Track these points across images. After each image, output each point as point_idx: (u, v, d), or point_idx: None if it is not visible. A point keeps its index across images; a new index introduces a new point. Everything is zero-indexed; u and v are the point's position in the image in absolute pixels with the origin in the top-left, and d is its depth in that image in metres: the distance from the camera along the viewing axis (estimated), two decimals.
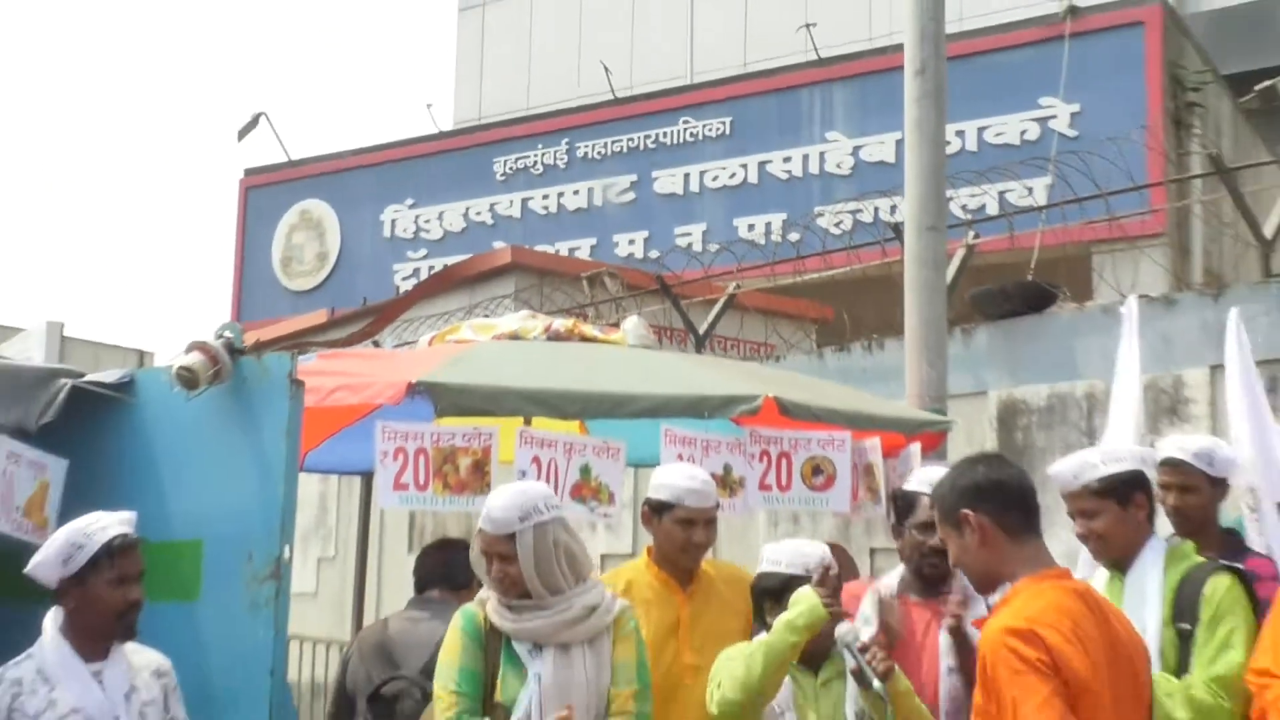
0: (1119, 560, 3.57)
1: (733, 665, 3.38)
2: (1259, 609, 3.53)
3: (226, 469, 3.77)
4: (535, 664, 3.28)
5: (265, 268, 17.75)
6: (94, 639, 3.23)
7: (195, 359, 3.71)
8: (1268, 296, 6.41)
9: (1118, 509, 3.50)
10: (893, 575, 3.96)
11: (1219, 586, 3.51)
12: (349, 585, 7.80)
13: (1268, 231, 7.02)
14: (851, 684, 3.46)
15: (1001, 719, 2.58)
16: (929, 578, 3.82)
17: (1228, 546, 3.87)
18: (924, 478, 3.87)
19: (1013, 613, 2.66)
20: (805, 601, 3.32)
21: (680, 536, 3.88)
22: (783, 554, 3.50)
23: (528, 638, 3.31)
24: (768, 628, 3.44)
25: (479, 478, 4.05)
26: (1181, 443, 3.96)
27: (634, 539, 8.51)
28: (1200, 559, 3.66)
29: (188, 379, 3.67)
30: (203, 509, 3.75)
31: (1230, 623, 3.42)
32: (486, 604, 3.36)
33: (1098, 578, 3.77)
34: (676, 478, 3.93)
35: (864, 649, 3.37)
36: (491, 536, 3.30)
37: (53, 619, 3.24)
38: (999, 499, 2.79)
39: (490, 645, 3.32)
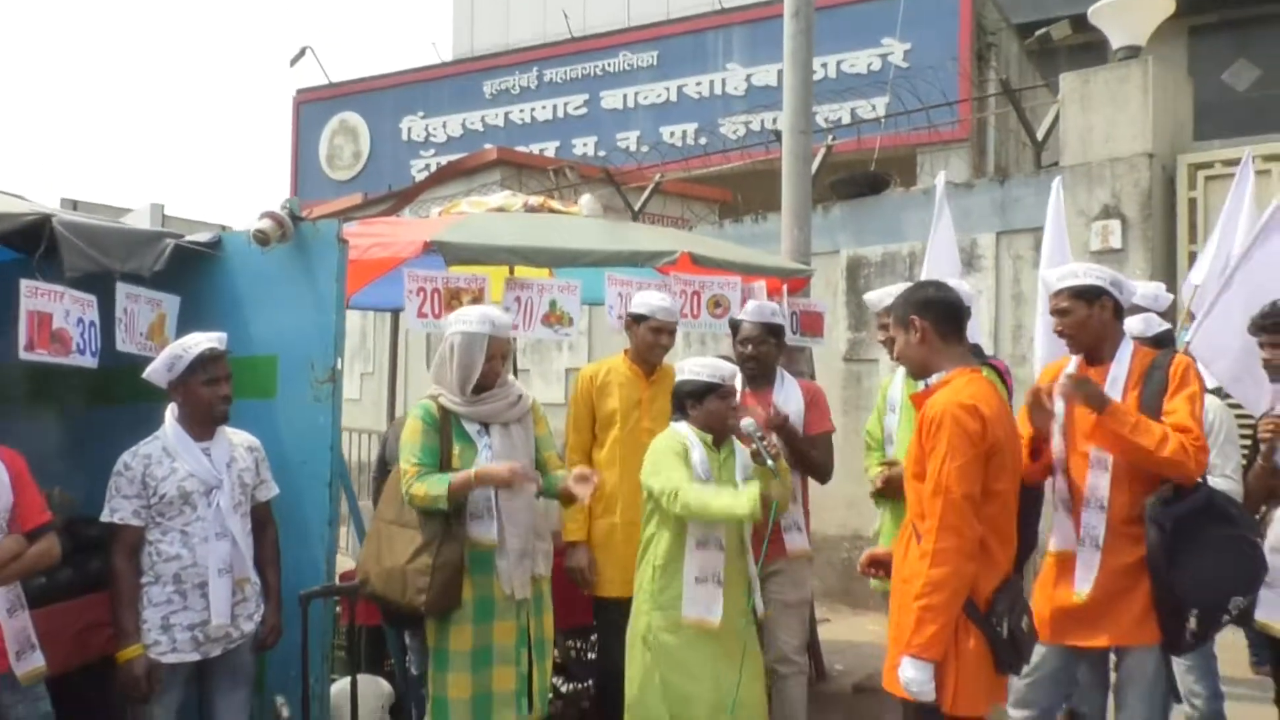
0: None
1: (695, 494, 3.17)
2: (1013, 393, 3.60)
3: (292, 304, 3.70)
4: (484, 439, 3.27)
5: (314, 163, 17.19)
6: (199, 425, 3.21)
7: (266, 223, 3.62)
8: (1036, 183, 6.44)
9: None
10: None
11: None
12: (384, 391, 7.82)
13: (1039, 136, 7.00)
14: (742, 456, 3.45)
15: (929, 463, 2.60)
16: (752, 377, 3.92)
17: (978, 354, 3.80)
18: (751, 310, 3.95)
19: (955, 391, 2.66)
20: (750, 502, 3.12)
21: (650, 339, 3.92)
22: (703, 366, 3.41)
23: (479, 419, 3.28)
24: (688, 417, 3.40)
25: None
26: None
27: (589, 355, 8.57)
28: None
29: (261, 238, 3.59)
30: (276, 333, 3.69)
31: None
32: (439, 397, 3.29)
33: (897, 376, 3.83)
34: (652, 298, 3.97)
35: (762, 437, 3.40)
36: (503, 340, 3.31)
37: (171, 411, 3.22)
38: (938, 311, 2.79)
39: (444, 428, 3.27)
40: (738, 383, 3.92)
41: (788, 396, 3.91)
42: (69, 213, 3.34)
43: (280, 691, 3.29)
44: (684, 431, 3.39)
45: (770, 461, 3.32)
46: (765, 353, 3.92)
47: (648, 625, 3.29)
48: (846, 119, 11.33)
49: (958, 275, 4.59)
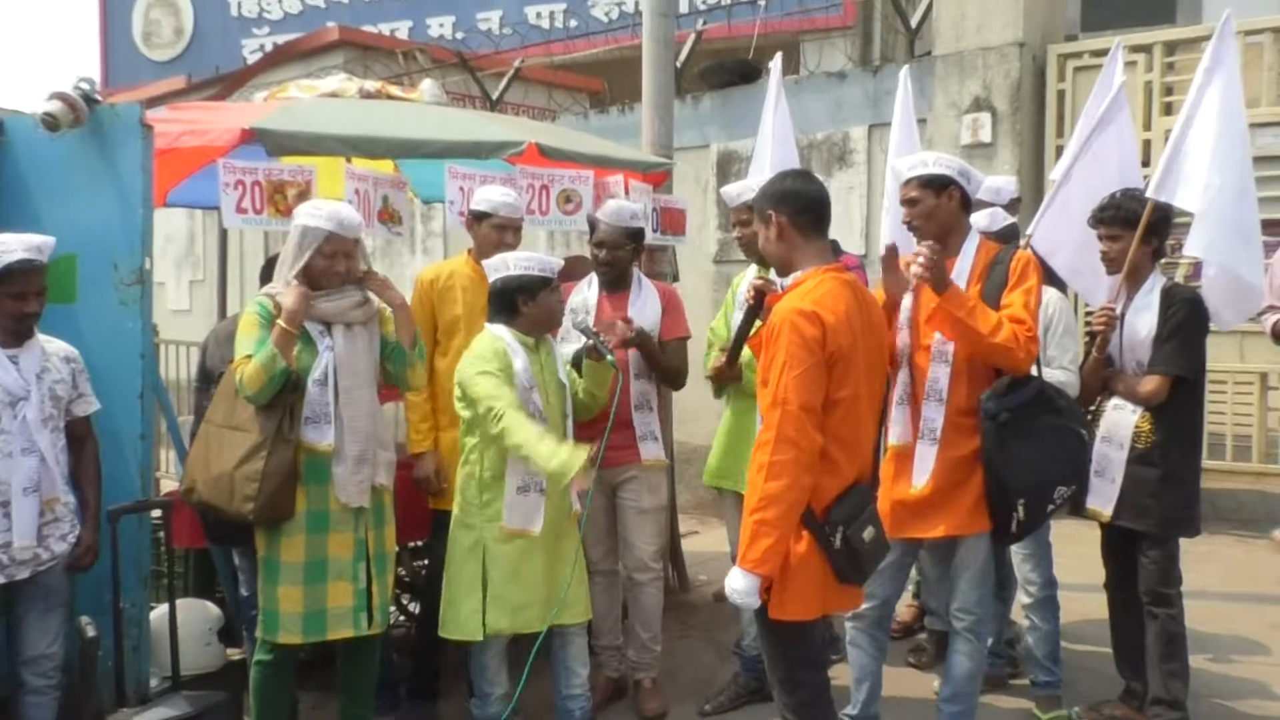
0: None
1: (518, 427, 3.20)
2: None
3: (92, 197, 3.61)
4: (325, 340, 3.28)
5: (126, 41, 16.15)
6: (4, 334, 3.19)
7: (56, 106, 3.50)
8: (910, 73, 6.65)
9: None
10: (587, 280, 4.12)
11: None
12: (215, 300, 7.62)
13: (914, 23, 7.20)
14: (564, 351, 3.58)
15: (770, 373, 2.66)
16: (608, 282, 4.02)
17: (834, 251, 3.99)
18: (609, 211, 4.00)
19: (800, 295, 2.70)
20: (561, 466, 3.11)
21: (495, 238, 3.91)
22: (530, 260, 3.47)
23: (320, 317, 3.28)
24: (513, 318, 3.45)
25: None
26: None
27: (445, 259, 8.52)
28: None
29: (50, 123, 3.48)
30: (74, 230, 3.58)
31: None
32: (276, 295, 3.28)
33: (748, 274, 3.98)
34: (493, 194, 3.97)
35: (598, 333, 3.52)
36: (345, 239, 3.28)
37: None
38: (796, 205, 2.79)
39: None
40: (594, 286, 4.05)
41: (645, 302, 4.02)
42: None
43: (94, 615, 3.31)
44: (504, 337, 3.43)
45: (609, 356, 3.48)
46: (621, 257, 3.99)
47: (478, 539, 3.42)
48: (724, 1, 11.34)
49: (793, 163, 4.68)
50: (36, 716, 3.25)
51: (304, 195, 3.87)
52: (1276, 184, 5.55)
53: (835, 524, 2.67)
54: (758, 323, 3.11)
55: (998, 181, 4.22)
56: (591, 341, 3.53)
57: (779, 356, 2.64)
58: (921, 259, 3.00)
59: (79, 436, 3.33)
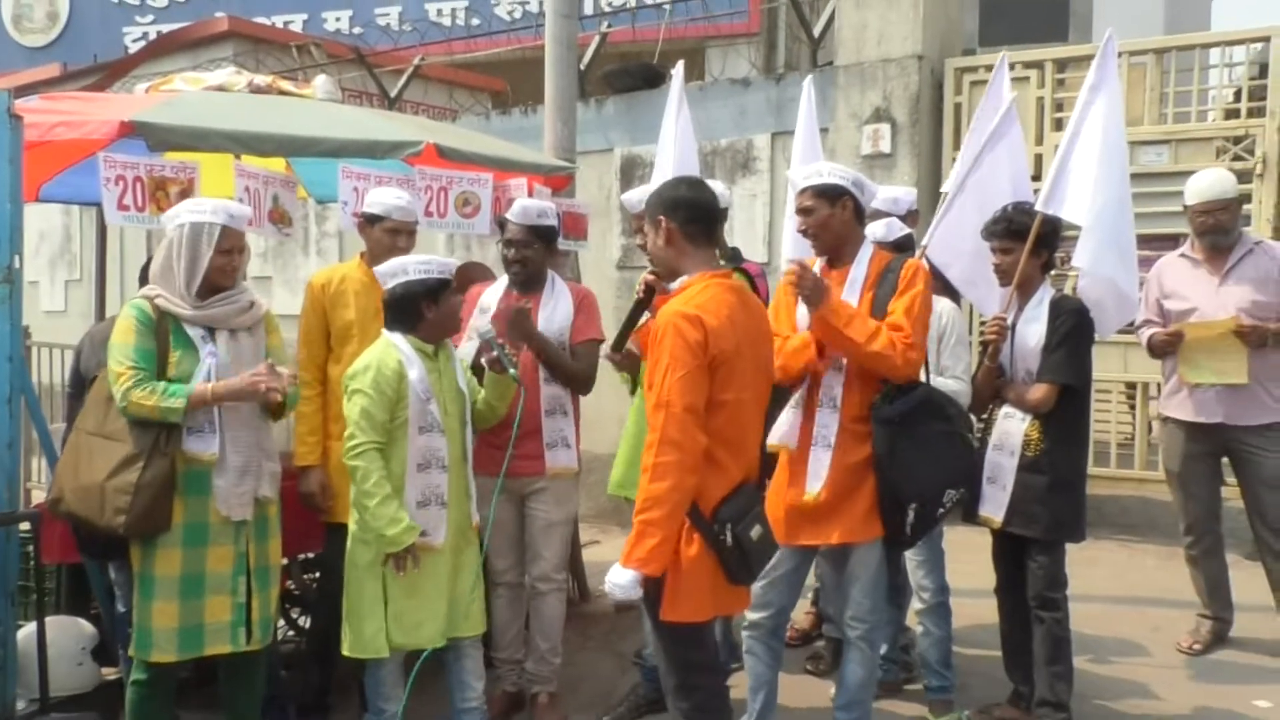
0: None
1: (369, 468, 3.28)
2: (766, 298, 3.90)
3: None
4: (208, 346, 3.23)
5: None
6: None
7: None
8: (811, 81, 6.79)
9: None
10: (500, 281, 4.10)
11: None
12: (93, 301, 7.36)
13: (816, 33, 7.35)
14: (464, 351, 3.56)
15: (655, 375, 2.73)
16: (519, 281, 4.00)
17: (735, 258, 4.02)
18: (517, 210, 3.98)
19: (685, 300, 2.78)
20: (397, 536, 3.26)
21: (388, 242, 3.87)
22: (428, 263, 3.45)
23: (208, 323, 3.24)
24: (414, 325, 3.44)
25: None
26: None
27: (341, 261, 8.38)
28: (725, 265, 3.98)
29: None
30: None
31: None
32: (155, 299, 3.22)
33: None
34: (386, 196, 3.92)
35: (502, 344, 3.49)
36: (238, 232, 3.27)
37: None
38: (686, 212, 2.87)
39: (160, 330, 3.20)
40: (499, 288, 4.03)
41: (558, 302, 3.99)
42: None
43: None
44: (400, 345, 3.41)
45: (512, 370, 3.46)
46: (530, 256, 3.97)
47: (375, 556, 3.38)
48: (629, 4, 11.42)
49: (691, 168, 4.72)
50: None
51: (187, 193, 3.78)
52: (1156, 200, 5.82)
53: (724, 522, 2.75)
54: (646, 315, 3.19)
55: (896, 192, 4.34)
56: (495, 353, 3.50)
57: (663, 359, 2.71)
58: (792, 279, 3.11)
59: None
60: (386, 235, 3.89)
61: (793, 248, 4.30)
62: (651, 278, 3.22)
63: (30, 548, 3.71)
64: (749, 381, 2.83)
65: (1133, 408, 6.47)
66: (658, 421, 2.69)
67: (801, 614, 4.83)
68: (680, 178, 3.21)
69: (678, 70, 4.78)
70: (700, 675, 2.88)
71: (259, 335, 3.37)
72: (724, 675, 3.29)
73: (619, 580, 2.70)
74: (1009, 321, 3.67)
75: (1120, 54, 6.23)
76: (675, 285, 2.90)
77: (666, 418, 2.68)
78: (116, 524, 3.06)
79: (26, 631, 3.53)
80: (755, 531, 2.82)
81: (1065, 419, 3.60)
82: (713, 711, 2.88)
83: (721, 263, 3.90)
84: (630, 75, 7.51)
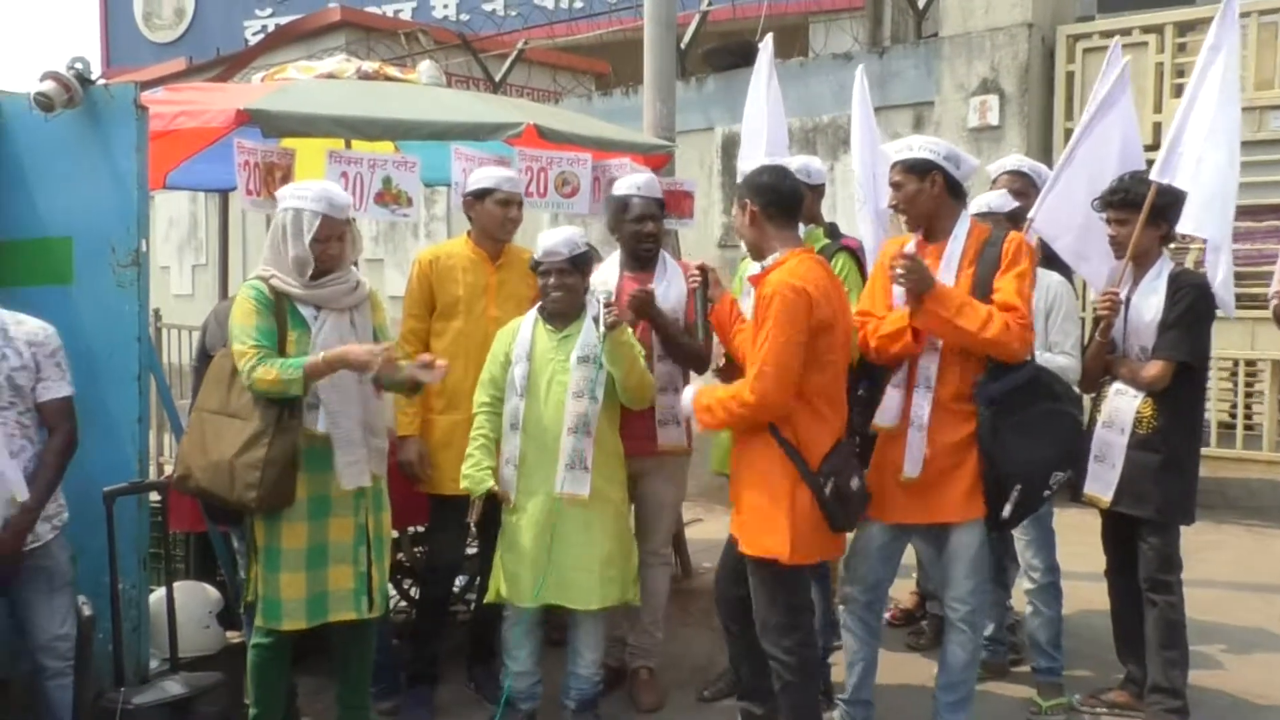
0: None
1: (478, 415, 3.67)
2: (864, 271, 3.85)
3: (86, 180, 3.62)
4: (318, 324, 3.31)
5: (128, 22, 16.19)
6: None
7: (50, 86, 3.51)
8: (916, 55, 6.65)
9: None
10: (613, 258, 4.09)
11: (839, 261, 3.84)
12: (217, 285, 7.68)
13: (920, 4, 7.16)
14: (586, 337, 3.55)
15: (758, 336, 3.01)
16: (643, 259, 3.97)
17: (834, 233, 4.02)
18: (644, 184, 3.95)
19: (788, 272, 3.03)
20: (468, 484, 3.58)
21: (499, 213, 3.92)
22: (559, 239, 3.55)
23: (317, 302, 3.31)
24: (545, 296, 3.62)
25: None
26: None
27: None
28: (826, 240, 3.95)
29: (44, 103, 3.49)
30: (70, 212, 3.60)
31: (849, 284, 3.64)
32: (270, 279, 3.31)
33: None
34: (493, 171, 3.99)
35: (608, 305, 3.48)
36: (337, 221, 3.30)
37: None
38: (768, 197, 3.15)
39: (279, 310, 3.29)
40: (615, 265, 4.04)
41: (670, 281, 3.94)
42: None
43: (92, 597, 3.36)
44: (528, 315, 3.66)
45: (603, 329, 3.47)
46: (659, 230, 3.98)
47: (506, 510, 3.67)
48: None
49: (785, 155, 4.65)
50: (60, 699, 3.24)
51: (287, 178, 3.89)
52: None
53: (828, 474, 3.03)
54: (710, 300, 3.47)
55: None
56: (596, 311, 3.51)
57: (768, 322, 2.98)
58: (899, 269, 3.06)
59: (50, 423, 3.24)
60: (498, 207, 3.93)
61: (872, 231, 4.21)
62: (703, 264, 3.49)
63: (160, 517, 3.91)
64: (840, 344, 3.10)
65: (1251, 388, 6.17)
66: (758, 360, 2.98)
67: (906, 594, 4.77)
68: (765, 165, 3.34)
69: (765, 44, 4.70)
70: (801, 615, 3.20)
71: (365, 313, 3.46)
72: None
73: (685, 404, 3.33)
74: (1122, 296, 3.53)
75: (1249, 13, 5.93)
76: (768, 262, 3.15)
77: (769, 361, 2.97)
78: (248, 499, 3.17)
79: (157, 596, 3.71)
80: (854, 483, 3.09)
81: (1180, 397, 3.47)
82: (812, 646, 3.28)
83: (826, 241, 3.92)
84: (730, 53, 7.46)
